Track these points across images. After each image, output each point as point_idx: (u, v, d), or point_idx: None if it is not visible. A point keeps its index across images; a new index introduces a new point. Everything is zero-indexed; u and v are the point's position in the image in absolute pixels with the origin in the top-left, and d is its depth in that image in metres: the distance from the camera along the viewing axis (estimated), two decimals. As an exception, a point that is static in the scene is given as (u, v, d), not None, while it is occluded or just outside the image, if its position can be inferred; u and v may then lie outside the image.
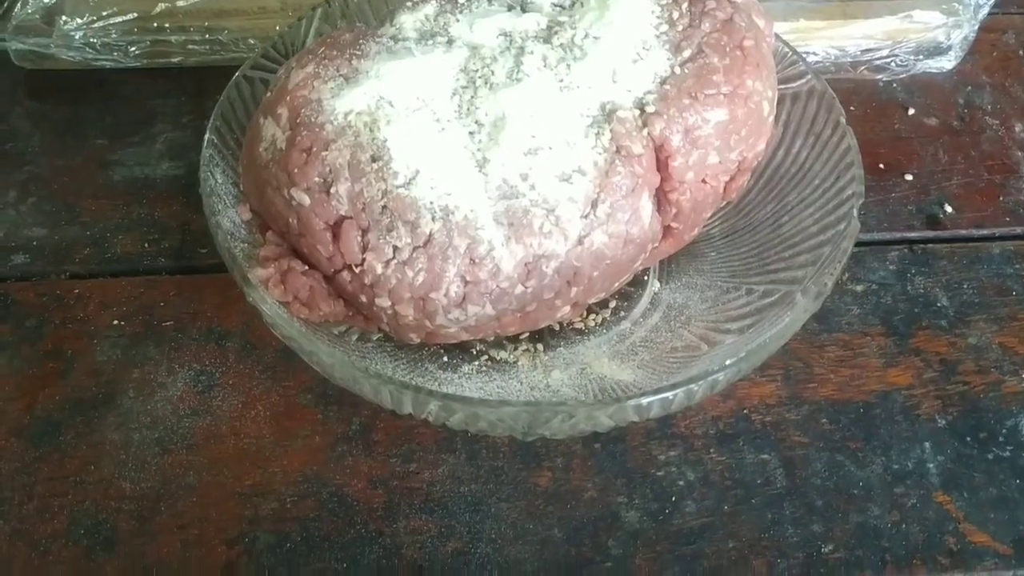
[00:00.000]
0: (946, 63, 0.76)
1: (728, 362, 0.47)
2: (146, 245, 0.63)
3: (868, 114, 0.73)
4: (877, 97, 0.74)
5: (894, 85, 0.75)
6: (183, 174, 0.67)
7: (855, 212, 0.53)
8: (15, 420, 0.55)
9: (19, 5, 0.73)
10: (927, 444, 0.56)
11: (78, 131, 0.70)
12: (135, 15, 0.73)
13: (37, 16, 0.73)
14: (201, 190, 0.52)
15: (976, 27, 0.75)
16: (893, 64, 0.75)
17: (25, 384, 0.56)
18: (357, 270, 0.49)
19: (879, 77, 0.75)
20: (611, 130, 0.51)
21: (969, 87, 0.75)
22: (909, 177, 0.69)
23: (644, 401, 0.45)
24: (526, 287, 0.50)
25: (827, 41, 0.75)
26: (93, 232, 0.64)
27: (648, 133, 0.51)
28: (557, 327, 0.58)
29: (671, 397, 0.46)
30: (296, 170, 0.49)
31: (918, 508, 0.53)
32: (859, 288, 0.63)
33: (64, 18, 0.72)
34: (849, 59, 0.75)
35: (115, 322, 0.59)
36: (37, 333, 0.59)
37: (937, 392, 0.58)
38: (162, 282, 0.61)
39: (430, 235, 0.48)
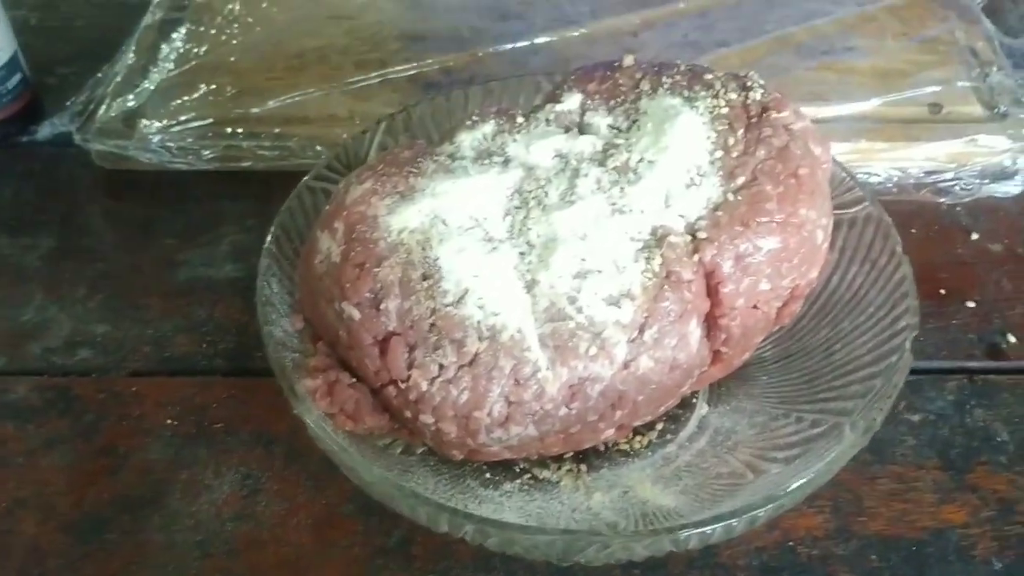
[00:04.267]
0: (1012, 188, 0.75)
1: (768, 497, 0.46)
2: (204, 345, 0.65)
3: (930, 237, 0.72)
4: (940, 220, 0.74)
5: (957, 208, 0.74)
6: (244, 276, 0.69)
7: (907, 345, 0.52)
8: (64, 515, 0.56)
9: (103, 108, 0.77)
10: (983, 588, 0.54)
11: (150, 230, 0.73)
12: (210, 120, 0.76)
13: (119, 119, 0.77)
14: (257, 299, 0.53)
15: (1043, 152, 0.74)
16: (957, 187, 0.75)
17: (77, 479, 0.58)
18: (403, 386, 0.50)
19: (942, 200, 0.75)
20: (662, 255, 0.51)
21: (1035, 213, 0.74)
22: (971, 304, 0.68)
23: (682, 535, 0.44)
24: (570, 409, 0.50)
25: (889, 162, 0.75)
26: (155, 330, 0.66)
27: (699, 259, 0.51)
28: (602, 447, 0.57)
29: (709, 532, 0.45)
30: (348, 285, 0.50)
31: (972, 657, 0.51)
32: (915, 418, 0.61)
33: (144, 122, 0.76)
34: (912, 181, 0.75)
35: (168, 421, 0.60)
36: (94, 429, 0.60)
37: (994, 532, 0.56)
38: (216, 383, 0.62)
39: (476, 354, 0.49)
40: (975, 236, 0.73)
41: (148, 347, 0.65)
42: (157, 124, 0.76)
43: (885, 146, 0.75)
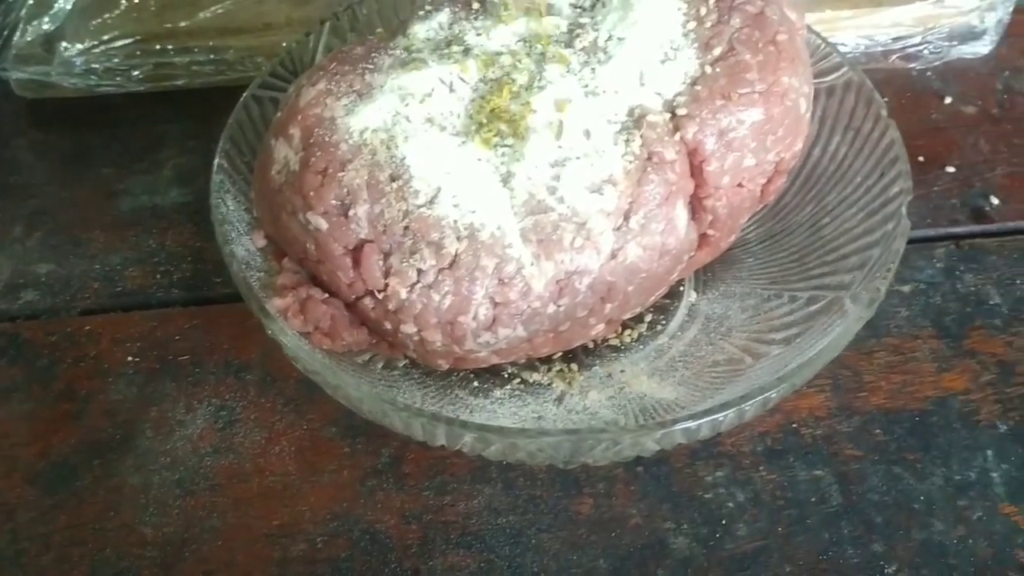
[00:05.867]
0: (981, 48, 0.73)
1: (779, 377, 0.44)
2: (158, 276, 0.61)
3: (903, 105, 0.70)
4: (911, 87, 0.71)
5: (928, 73, 0.72)
6: (192, 200, 0.65)
7: (903, 210, 0.50)
8: (29, 466, 0.52)
9: (18, 34, 0.71)
10: (989, 452, 0.52)
11: (83, 160, 0.68)
12: (137, 37, 0.71)
13: (37, 44, 0.71)
14: (213, 218, 0.49)
15: (1011, 9, 0.71)
16: (926, 51, 0.72)
17: (39, 427, 0.54)
18: (380, 296, 0.47)
19: (912, 66, 0.72)
20: (641, 136, 0.48)
21: (1007, 72, 0.72)
22: (950, 169, 0.66)
23: (693, 424, 0.42)
24: (559, 306, 0.47)
25: (856, 30, 0.72)
26: (103, 265, 0.61)
27: (680, 137, 0.49)
28: (591, 345, 0.55)
29: (721, 419, 0.43)
30: (312, 193, 0.47)
31: (984, 521, 0.50)
32: (906, 289, 0.59)
33: (64, 44, 0.70)
34: (880, 48, 0.72)
35: (129, 359, 0.57)
36: (49, 373, 0.56)
37: (996, 396, 0.55)
38: (176, 315, 0.59)
39: (456, 256, 0.46)
40: (948, 100, 0.70)
41: (97, 283, 0.61)
42: (79, 46, 0.70)
43: (850, 13, 0.72)
